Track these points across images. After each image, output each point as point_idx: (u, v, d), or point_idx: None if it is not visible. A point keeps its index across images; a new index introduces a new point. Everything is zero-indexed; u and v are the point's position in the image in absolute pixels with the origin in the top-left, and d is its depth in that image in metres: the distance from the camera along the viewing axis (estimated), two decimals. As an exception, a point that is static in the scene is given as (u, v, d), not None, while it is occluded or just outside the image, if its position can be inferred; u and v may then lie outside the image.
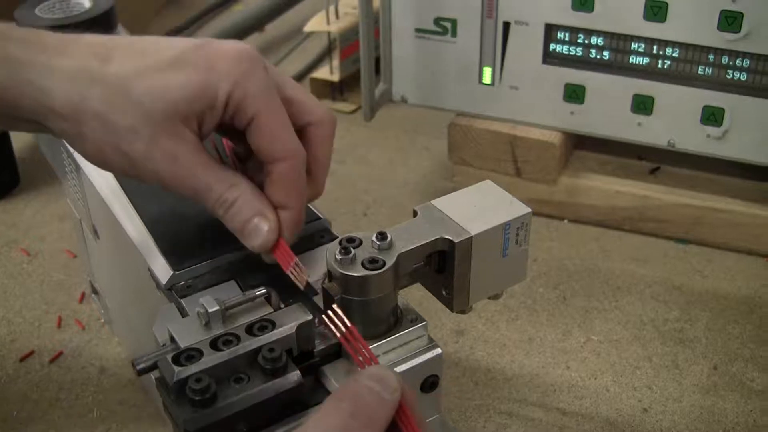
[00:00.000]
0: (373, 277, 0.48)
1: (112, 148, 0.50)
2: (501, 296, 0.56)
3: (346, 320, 0.47)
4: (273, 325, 0.47)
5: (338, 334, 0.47)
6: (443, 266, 0.52)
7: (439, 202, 0.53)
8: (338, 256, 0.48)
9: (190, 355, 0.46)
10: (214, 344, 0.46)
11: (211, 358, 0.45)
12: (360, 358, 0.46)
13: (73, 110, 0.49)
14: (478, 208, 0.53)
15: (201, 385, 0.44)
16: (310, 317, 0.48)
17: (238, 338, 0.47)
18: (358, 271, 0.48)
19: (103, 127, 0.49)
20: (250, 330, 0.47)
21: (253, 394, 0.45)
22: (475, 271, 0.52)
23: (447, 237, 0.51)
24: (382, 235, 0.49)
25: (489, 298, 0.55)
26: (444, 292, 0.53)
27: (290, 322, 0.47)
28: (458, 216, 0.52)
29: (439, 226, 0.51)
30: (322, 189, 0.56)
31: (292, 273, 0.51)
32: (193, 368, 0.45)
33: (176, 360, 0.45)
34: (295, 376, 0.46)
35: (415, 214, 0.53)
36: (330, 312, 0.48)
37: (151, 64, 0.50)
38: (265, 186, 0.52)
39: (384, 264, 0.48)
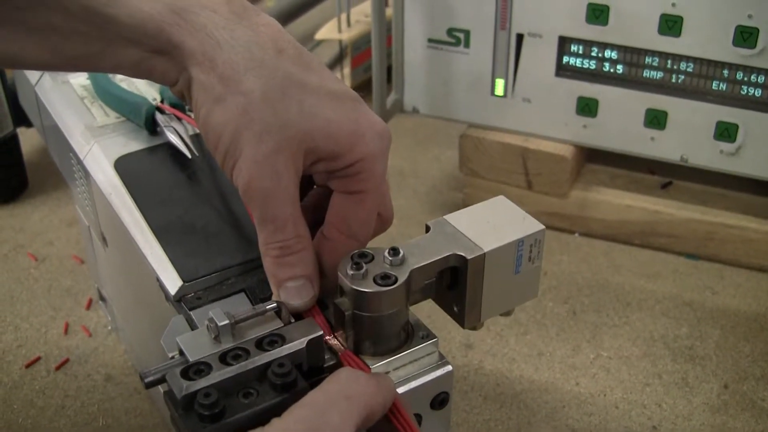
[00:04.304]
0: (385, 293, 0.47)
1: (234, 128, 0.47)
2: (512, 313, 0.56)
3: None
4: (283, 339, 0.47)
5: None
6: (455, 282, 0.52)
7: (452, 218, 0.53)
8: (350, 272, 0.48)
9: (199, 369, 0.45)
10: (224, 358, 0.46)
11: (220, 373, 0.45)
12: None
13: (230, 77, 0.47)
14: (491, 224, 0.52)
15: (209, 400, 0.43)
16: (321, 332, 0.47)
17: (247, 353, 0.46)
18: (369, 287, 0.47)
19: (242, 110, 0.47)
20: (260, 344, 0.47)
21: (262, 409, 0.44)
22: (487, 287, 0.51)
23: (460, 253, 0.50)
24: (394, 251, 0.49)
25: (500, 314, 0.55)
26: (455, 308, 0.53)
27: (300, 337, 0.47)
28: (471, 232, 0.51)
29: (452, 242, 0.51)
30: None
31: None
32: (202, 382, 0.44)
33: (185, 374, 0.45)
34: (304, 391, 0.45)
35: (427, 229, 0.52)
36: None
37: (313, 83, 0.48)
38: (320, 249, 0.51)
39: (396, 280, 0.48)
